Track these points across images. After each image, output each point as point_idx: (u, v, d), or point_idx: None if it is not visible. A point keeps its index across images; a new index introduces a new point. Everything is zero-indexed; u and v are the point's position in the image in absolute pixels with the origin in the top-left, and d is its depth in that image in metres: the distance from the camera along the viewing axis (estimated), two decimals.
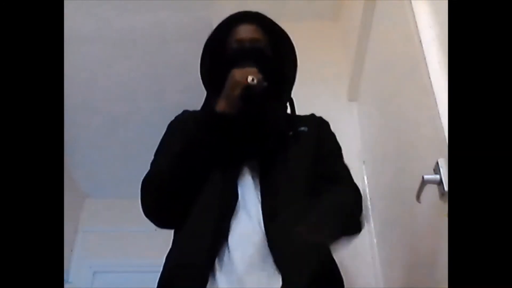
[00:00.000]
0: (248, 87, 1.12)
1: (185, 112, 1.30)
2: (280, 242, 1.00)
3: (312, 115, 1.32)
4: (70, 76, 2.77)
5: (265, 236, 1.01)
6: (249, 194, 1.09)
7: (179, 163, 1.11)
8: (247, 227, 1.04)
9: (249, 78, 1.11)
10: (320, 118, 1.32)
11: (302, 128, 1.22)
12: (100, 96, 3.09)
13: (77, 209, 3.92)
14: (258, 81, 1.12)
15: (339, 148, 1.28)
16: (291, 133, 1.19)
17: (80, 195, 3.97)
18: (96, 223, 3.87)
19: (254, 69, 1.14)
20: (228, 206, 1.06)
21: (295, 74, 1.32)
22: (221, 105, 1.13)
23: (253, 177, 1.12)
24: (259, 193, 1.08)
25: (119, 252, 3.70)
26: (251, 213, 1.06)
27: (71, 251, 3.74)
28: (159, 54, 2.81)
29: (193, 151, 1.11)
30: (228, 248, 1.01)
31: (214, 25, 2.19)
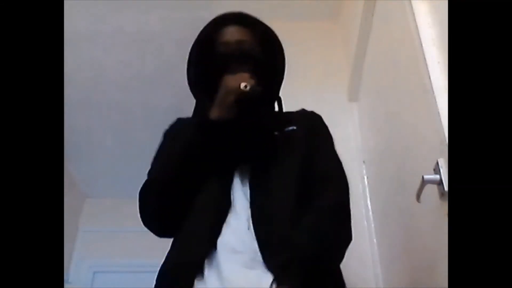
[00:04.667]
0: (242, 93, 1.12)
1: (179, 120, 1.30)
2: (270, 244, 1.01)
3: (302, 110, 1.30)
4: (70, 76, 2.77)
5: (253, 238, 1.02)
6: (240, 198, 1.09)
7: (176, 171, 1.12)
8: (237, 230, 1.04)
9: (242, 85, 1.12)
10: (311, 113, 1.30)
11: (291, 128, 1.22)
12: (100, 96, 3.09)
13: (77, 209, 3.92)
14: (251, 87, 1.12)
15: (330, 142, 1.25)
16: (277, 133, 1.18)
17: (80, 195, 3.97)
18: (96, 223, 3.87)
19: (246, 75, 1.14)
20: (220, 211, 1.07)
21: (283, 72, 1.31)
22: (215, 112, 1.13)
23: (244, 181, 1.12)
24: (249, 196, 1.09)
25: (119, 252, 3.70)
26: (241, 216, 1.06)
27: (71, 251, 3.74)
28: (159, 54, 2.81)
29: (190, 159, 1.11)
30: (218, 251, 1.02)
31: None
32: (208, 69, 1.24)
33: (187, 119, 1.29)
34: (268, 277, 0.96)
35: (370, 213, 1.92)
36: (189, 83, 1.31)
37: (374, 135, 1.93)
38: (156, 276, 1.08)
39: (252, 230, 1.03)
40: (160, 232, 1.18)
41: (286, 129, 1.21)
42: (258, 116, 1.18)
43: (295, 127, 1.21)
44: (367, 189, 1.97)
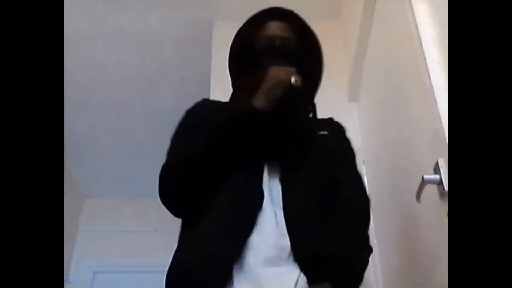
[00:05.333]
0: (291, 86, 1.11)
1: (206, 101, 1.29)
2: (303, 243, 1.01)
3: (331, 120, 1.32)
4: (70, 76, 2.77)
5: (283, 236, 1.02)
6: (268, 194, 1.08)
7: (206, 153, 1.09)
8: (265, 226, 1.03)
9: (293, 79, 1.11)
10: (338, 123, 1.33)
11: (323, 132, 1.22)
12: (100, 96, 3.09)
13: (77, 209, 3.92)
14: (300, 82, 1.12)
15: (353, 155, 1.28)
16: (312, 136, 1.20)
17: (80, 195, 3.97)
18: (96, 223, 3.87)
19: (294, 69, 1.13)
20: (252, 208, 1.05)
21: (321, 75, 1.32)
22: (259, 101, 1.11)
23: (274, 177, 1.11)
24: (280, 193, 1.08)
25: (119, 252, 3.70)
26: (269, 212, 1.05)
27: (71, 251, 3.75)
28: (159, 54, 2.81)
29: (222, 144, 1.09)
30: (248, 247, 1.01)
31: (214, 25, 2.18)
32: (249, 60, 1.23)
33: (217, 102, 1.29)
34: (294, 274, 0.97)
35: (370, 212, 1.92)
36: (230, 75, 1.33)
37: (374, 135, 1.93)
38: (172, 267, 1.05)
39: (280, 227, 1.03)
40: (175, 211, 1.15)
41: (319, 133, 1.22)
42: (297, 112, 1.19)
43: (326, 132, 1.22)
44: (367, 189, 1.96)
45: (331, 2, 2.49)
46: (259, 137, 1.10)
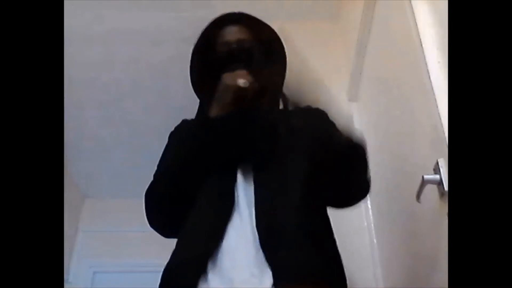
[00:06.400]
0: (240, 90, 1.13)
1: (184, 122, 1.31)
2: (273, 242, 1.00)
3: (308, 107, 1.27)
4: (70, 76, 2.77)
5: (257, 236, 1.01)
6: (243, 196, 1.09)
7: (178, 171, 1.13)
8: (240, 228, 1.04)
9: (240, 82, 1.13)
10: (316, 110, 1.28)
11: (295, 123, 1.21)
12: (101, 96, 3.09)
13: (77, 209, 3.92)
14: (249, 84, 1.13)
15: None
16: (283, 129, 1.18)
17: (80, 195, 3.97)
18: (96, 223, 3.87)
19: (244, 72, 1.15)
20: (225, 210, 1.07)
21: (285, 69, 1.32)
22: (214, 110, 1.15)
23: (247, 179, 1.12)
24: (253, 195, 1.08)
25: (119, 252, 3.70)
26: (245, 214, 1.06)
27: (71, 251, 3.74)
28: (159, 54, 2.81)
29: (192, 158, 1.12)
30: (222, 251, 1.01)
31: None
32: (209, 69, 1.24)
33: (191, 120, 1.29)
34: (269, 276, 0.96)
35: (370, 213, 1.93)
36: (192, 84, 1.32)
37: (374, 135, 1.93)
38: (161, 275, 1.07)
39: (255, 228, 1.02)
40: (165, 232, 1.19)
41: (292, 124, 1.21)
42: (257, 113, 1.18)
43: (300, 122, 1.21)
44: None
45: (331, 2, 2.49)
46: (224, 143, 1.12)
